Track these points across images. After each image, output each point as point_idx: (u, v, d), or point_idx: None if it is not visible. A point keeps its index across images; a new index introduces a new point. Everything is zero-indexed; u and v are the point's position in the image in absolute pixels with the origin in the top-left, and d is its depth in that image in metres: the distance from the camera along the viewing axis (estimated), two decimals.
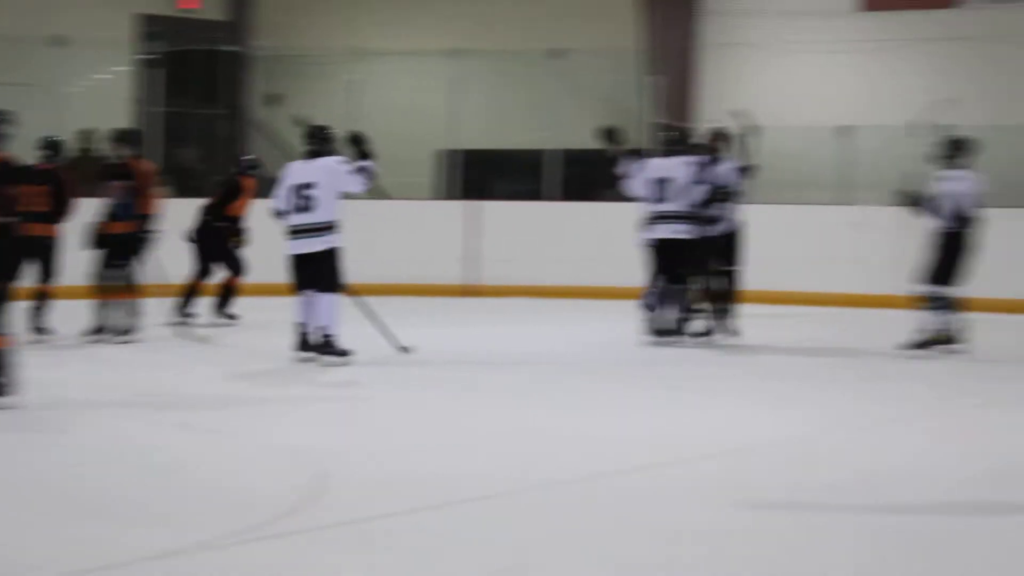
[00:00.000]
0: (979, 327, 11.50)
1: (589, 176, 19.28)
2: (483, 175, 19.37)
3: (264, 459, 7.00)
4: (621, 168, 12.16)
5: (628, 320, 12.32)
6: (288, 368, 10.34)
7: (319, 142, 10.58)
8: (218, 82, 20.85)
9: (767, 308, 14.46)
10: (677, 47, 19.85)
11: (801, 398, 9.35)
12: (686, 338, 11.84)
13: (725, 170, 11.97)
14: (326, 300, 10.31)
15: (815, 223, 16.13)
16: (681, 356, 11.35)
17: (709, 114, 19.35)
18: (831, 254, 15.86)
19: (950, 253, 11.38)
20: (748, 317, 12.32)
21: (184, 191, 16.01)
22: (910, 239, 13.67)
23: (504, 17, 20.45)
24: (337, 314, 10.35)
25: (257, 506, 5.83)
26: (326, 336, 10.34)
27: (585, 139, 14.61)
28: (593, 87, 19.79)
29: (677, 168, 11.92)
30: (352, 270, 10.56)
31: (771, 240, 14.27)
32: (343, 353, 10.34)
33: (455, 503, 5.98)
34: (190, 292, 12.98)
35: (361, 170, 10.43)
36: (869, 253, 15.60)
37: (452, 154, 19.09)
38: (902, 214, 11.84)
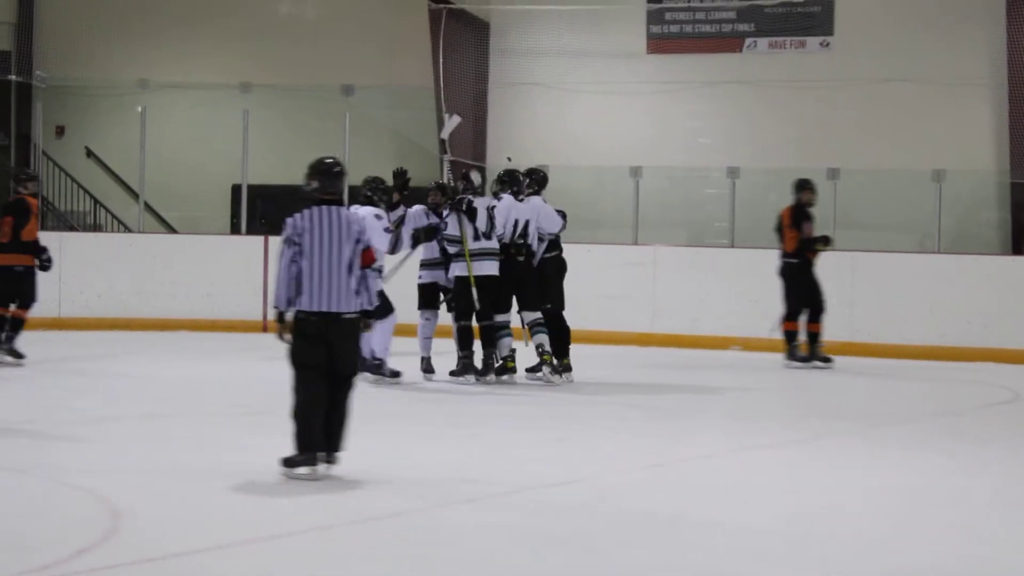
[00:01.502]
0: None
1: None
2: (276, 210, 19.12)
3: (60, 498, 6.88)
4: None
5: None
6: (112, 400, 10.39)
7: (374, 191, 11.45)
8: (6, 112, 20.43)
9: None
10: (469, 85, 20.04)
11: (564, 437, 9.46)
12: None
13: (451, 220, 11.82)
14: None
15: (606, 262, 16.14)
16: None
17: (498, 152, 19.58)
18: (623, 292, 15.98)
19: (509, 281, 11.80)
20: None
21: None
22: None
23: (297, 52, 20.39)
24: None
25: (46, 546, 5.75)
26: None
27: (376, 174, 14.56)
28: (385, 123, 19.88)
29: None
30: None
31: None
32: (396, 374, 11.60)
33: (242, 543, 6.00)
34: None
35: (396, 240, 11.51)
36: (663, 292, 15.88)
37: (246, 189, 18.90)
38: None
